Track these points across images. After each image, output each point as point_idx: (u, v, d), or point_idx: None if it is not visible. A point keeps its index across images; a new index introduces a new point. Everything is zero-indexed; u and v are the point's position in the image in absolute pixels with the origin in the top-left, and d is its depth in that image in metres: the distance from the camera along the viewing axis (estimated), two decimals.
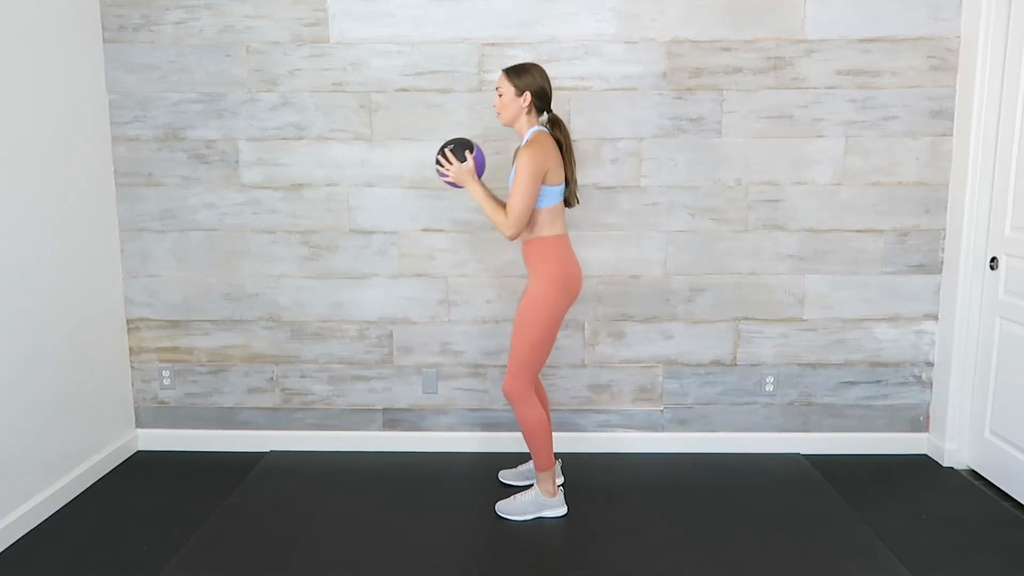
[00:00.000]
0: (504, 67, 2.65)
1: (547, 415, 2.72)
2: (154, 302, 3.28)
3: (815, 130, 3.10)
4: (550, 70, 3.06)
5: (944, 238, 3.17)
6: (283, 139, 3.16)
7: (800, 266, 3.20)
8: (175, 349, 3.32)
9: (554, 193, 2.53)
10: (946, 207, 3.14)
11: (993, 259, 2.93)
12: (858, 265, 3.19)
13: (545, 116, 2.62)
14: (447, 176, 2.56)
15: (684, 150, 3.13)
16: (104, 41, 3.11)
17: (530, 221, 2.55)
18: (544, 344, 2.57)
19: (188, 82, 3.13)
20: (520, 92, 2.52)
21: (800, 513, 2.71)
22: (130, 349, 3.32)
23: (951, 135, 3.09)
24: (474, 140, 2.66)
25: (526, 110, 2.55)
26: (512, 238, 2.49)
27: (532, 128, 2.56)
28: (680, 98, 3.10)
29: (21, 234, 2.60)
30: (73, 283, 2.90)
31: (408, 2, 3.06)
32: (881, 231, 3.17)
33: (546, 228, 2.56)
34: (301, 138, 3.16)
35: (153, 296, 3.28)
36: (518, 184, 2.44)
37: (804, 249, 3.18)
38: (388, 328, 3.28)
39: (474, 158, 2.55)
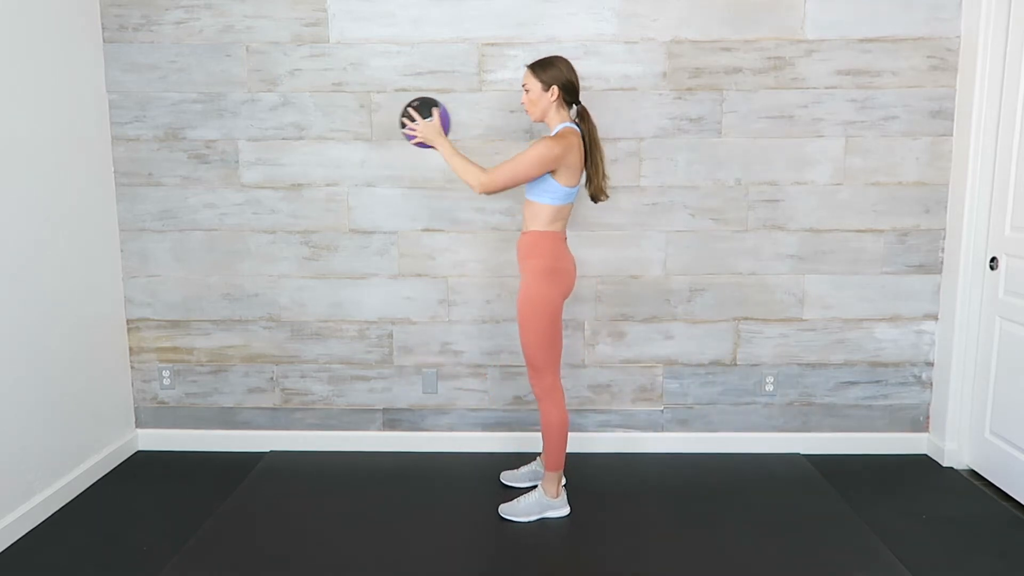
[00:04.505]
0: (528, 62, 2.60)
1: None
2: (154, 302, 3.28)
3: (815, 130, 3.10)
4: None
5: (944, 238, 3.16)
6: (283, 139, 3.16)
7: (800, 266, 3.20)
8: (175, 349, 3.32)
9: (565, 194, 2.51)
10: (946, 207, 3.14)
11: (993, 259, 2.93)
12: (858, 265, 3.19)
13: (575, 110, 2.58)
14: (415, 136, 2.54)
15: (684, 150, 3.13)
16: (104, 41, 3.11)
17: (533, 213, 2.55)
18: (549, 339, 2.55)
19: (188, 82, 3.13)
20: (547, 87, 2.50)
21: (800, 513, 2.71)
22: (130, 349, 3.32)
23: (951, 135, 3.09)
24: (437, 97, 2.59)
25: (555, 105, 2.52)
26: (480, 192, 2.46)
27: (561, 124, 2.53)
28: (680, 98, 3.10)
29: (21, 234, 2.60)
30: (73, 283, 2.90)
31: (408, 2, 3.06)
32: (881, 231, 3.17)
33: (545, 223, 2.54)
34: (301, 138, 3.16)
35: (153, 296, 3.28)
36: (517, 157, 2.41)
37: (804, 249, 3.18)
38: (388, 328, 3.28)
39: (439, 114, 2.52)
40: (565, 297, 2.60)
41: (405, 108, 2.55)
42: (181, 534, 2.57)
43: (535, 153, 2.40)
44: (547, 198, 2.51)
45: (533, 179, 2.47)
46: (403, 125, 2.56)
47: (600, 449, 3.31)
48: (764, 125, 3.10)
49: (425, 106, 2.53)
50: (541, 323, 2.53)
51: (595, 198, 2.61)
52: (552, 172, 2.46)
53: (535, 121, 2.59)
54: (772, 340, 3.25)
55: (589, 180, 2.58)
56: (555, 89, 2.49)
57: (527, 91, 2.53)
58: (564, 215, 2.56)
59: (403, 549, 2.46)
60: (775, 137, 3.11)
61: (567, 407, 3.29)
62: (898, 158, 3.12)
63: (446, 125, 2.56)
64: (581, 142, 2.50)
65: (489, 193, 2.47)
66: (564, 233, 2.60)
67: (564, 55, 3.05)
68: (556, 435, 2.59)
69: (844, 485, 2.96)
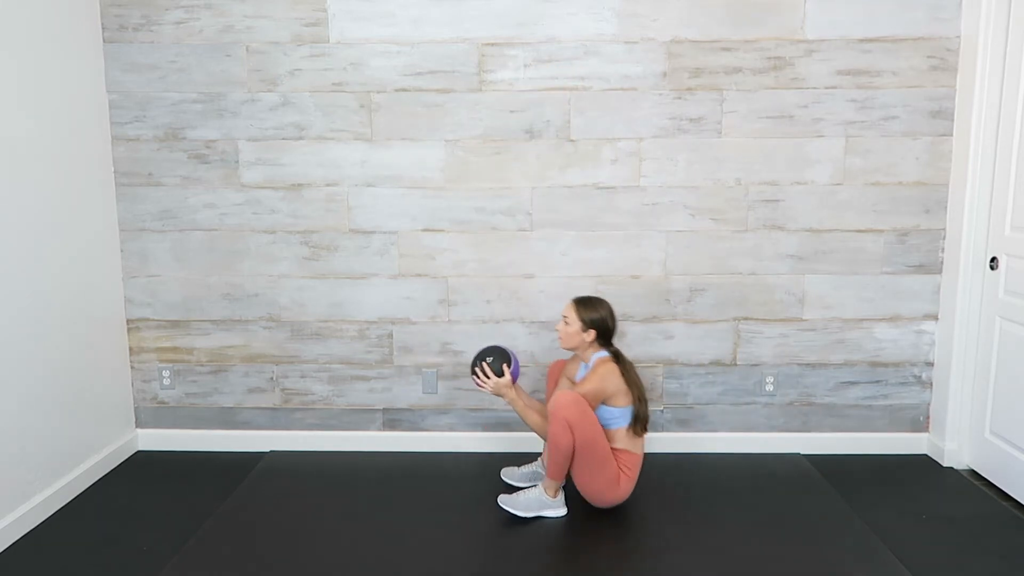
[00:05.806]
0: (576, 297, 2.71)
1: None
2: (154, 302, 3.28)
3: (815, 130, 3.10)
4: (550, 70, 3.07)
5: (944, 238, 3.17)
6: (283, 139, 3.16)
7: (800, 266, 3.20)
8: (175, 349, 3.32)
9: (622, 412, 2.61)
10: (946, 207, 3.14)
11: (993, 259, 2.93)
12: (858, 265, 3.19)
13: (605, 352, 2.68)
14: (484, 388, 2.66)
15: (684, 150, 3.13)
16: (104, 41, 3.11)
17: (611, 437, 2.64)
18: (594, 456, 2.56)
19: (188, 82, 3.13)
20: (586, 328, 2.62)
21: (800, 513, 2.71)
22: (130, 349, 3.32)
23: (951, 135, 3.09)
24: (509, 349, 2.71)
25: (588, 342, 2.65)
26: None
27: (596, 355, 2.66)
28: (680, 98, 3.10)
29: (21, 234, 2.60)
30: (73, 283, 2.90)
31: (408, 2, 3.06)
32: (881, 231, 3.17)
33: (626, 443, 2.63)
34: (301, 138, 3.16)
35: (153, 296, 3.28)
36: (586, 386, 2.54)
37: (804, 249, 3.18)
38: (388, 328, 3.28)
39: (511, 370, 2.63)
40: (619, 492, 2.65)
41: (480, 361, 2.64)
42: (181, 534, 2.57)
43: (594, 384, 2.54)
44: (614, 423, 2.62)
45: (597, 404, 2.59)
46: (475, 373, 2.65)
47: None
48: (764, 125, 3.10)
49: (498, 361, 2.64)
50: (598, 461, 2.57)
51: (637, 424, 2.64)
52: (604, 401, 2.59)
53: (564, 348, 2.73)
54: (772, 340, 3.25)
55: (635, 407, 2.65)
56: (593, 332, 2.63)
57: (567, 322, 2.65)
58: (635, 436, 2.65)
59: (403, 549, 2.46)
60: (775, 137, 3.11)
61: None
62: (898, 158, 3.12)
63: (515, 374, 2.67)
64: (616, 366, 2.60)
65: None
66: (642, 457, 2.68)
67: (564, 55, 3.06)
68: (562, 455, 2.58)
69: (844, 485, 2.96)
